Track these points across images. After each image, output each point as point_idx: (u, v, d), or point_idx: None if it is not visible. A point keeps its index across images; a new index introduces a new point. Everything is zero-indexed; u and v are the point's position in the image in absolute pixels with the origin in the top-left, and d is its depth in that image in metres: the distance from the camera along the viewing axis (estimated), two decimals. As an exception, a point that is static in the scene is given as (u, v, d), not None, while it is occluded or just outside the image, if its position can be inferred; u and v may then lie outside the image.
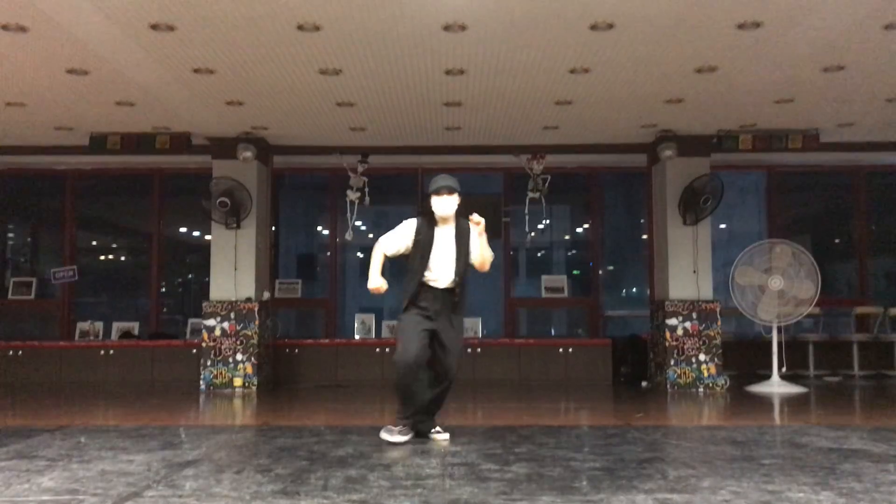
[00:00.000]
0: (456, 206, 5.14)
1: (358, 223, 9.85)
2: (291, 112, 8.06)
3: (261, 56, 6.34)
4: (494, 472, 3.98)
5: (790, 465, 4.21)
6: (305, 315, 11.35)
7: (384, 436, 4.96)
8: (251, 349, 9.00)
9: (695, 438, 5.38)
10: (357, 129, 8.73)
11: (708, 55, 6.40)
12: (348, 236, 9.69)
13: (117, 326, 10.40)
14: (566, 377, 9.76)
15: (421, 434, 5.06)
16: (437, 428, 5.14)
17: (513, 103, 7.76)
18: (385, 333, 10.31)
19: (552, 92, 7.38)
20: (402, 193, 11.15)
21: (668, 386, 8.89)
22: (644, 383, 9.47)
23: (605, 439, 5.17)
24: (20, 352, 9.81)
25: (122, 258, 12.66)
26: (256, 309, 9.09)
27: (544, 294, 10.71)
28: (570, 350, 9.90)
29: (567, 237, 12.33)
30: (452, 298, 5.06)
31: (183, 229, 11.87)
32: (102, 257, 12.47)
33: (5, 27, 5.70)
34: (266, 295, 9.48)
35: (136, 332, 10.39)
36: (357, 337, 10.31)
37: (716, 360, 8.92)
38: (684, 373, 8.92)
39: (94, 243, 12.21)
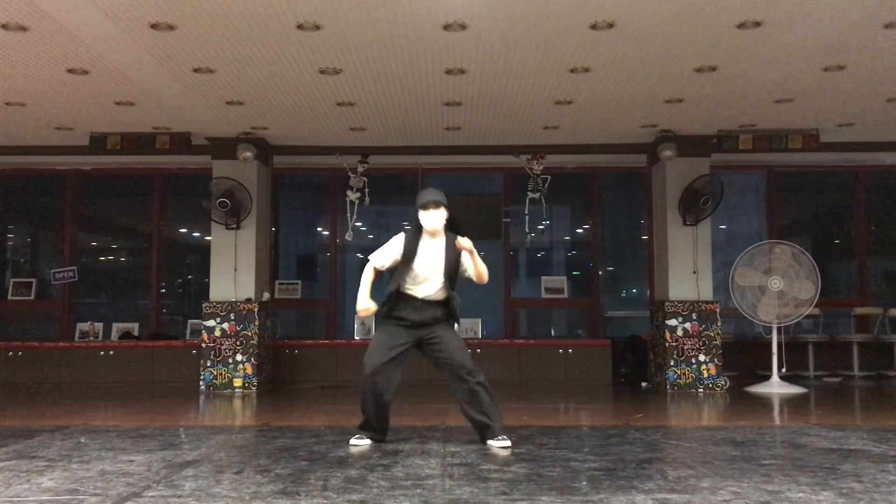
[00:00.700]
0: (444, 221, 5.04)
1: (358, 223, 9.85)
2: (291, 112, 8.06)
3: (261, 56, 6.34)
4: (494, 473, 3.98)
5: (790, 465, 4.21)
6: (305, 316, 11.35)
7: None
8: (251, 350, 9.00)
9: (694, 439, 5.37)
10: (357, 129, 8.73)
11: (708, 55, 6.40)
12: (348, 237, 9.68)
13: (117, 327, 10.40)
14: (566, 378, 9.75)
15: (482, 441, 4.89)
16: (501, 435, 4.85)
17: (513, 103, 7.76)
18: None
19: (552, 92, 7.38)
20: (402, 193, 11.14)
21: (668, 386, 8.89)
22: (644, 384, 9.47)
23: (605, 440, 5.16)
24: (20, 352, 9.82)
25: (122, 258, 12.65)
26: (256, 309, 9.08)
27: (544, 295, 10.70)
28: (570, 351, 9.90)
29: (567, 237, 12.32)
30: (441, 309, 4.99)
31: (183, 230, 11.87)
32: (102, 257, 12.46)
33: (5, 26, 5.70)
34: (266, 295, 9.48)
35: (135, 332, 10.39)
36: (357, 337, 10.29)
37: (716, 360, 8.92)
38: (684, 373, 8.91)
39: (94, 243, 12.20)
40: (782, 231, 10.53)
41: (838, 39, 6.08)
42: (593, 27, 5.76)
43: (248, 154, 8.86)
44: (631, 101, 7.71)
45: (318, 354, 9.90)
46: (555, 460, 4.34)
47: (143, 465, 4.23)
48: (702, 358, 8.93)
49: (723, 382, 8.89)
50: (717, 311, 9.02)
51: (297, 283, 10.72)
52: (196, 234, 11.52)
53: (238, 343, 9.00)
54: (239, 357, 8.98)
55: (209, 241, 9.48)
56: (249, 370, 8.97)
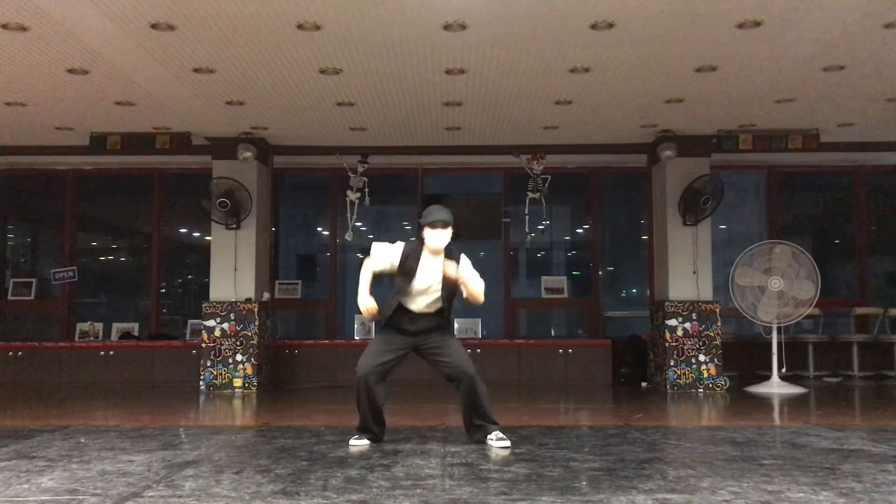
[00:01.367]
0: (448, 240, 5.01)
1: (358, 223, 9.85)
2: (291, 112, 8.06)
3: (261, 56, 6.34)
4: (494, 473, 3.98)
5: (790, 465, 4.21)
6: (305, 316, 11.35)
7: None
8: (251, 350, 9.00)
9: (694, 439, 5.37)
10: (357, 128, 8.74)
11: (708, 55, 6.40)
12: (348, 237, 9.68)
13: (117, 327, 10.40)
14: (566, 377, 9.76)
15: (480, 441, 4.88)
16: (496, 433, 4.86)
17: (513, 103, 7.76)
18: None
19: (552, 92, 7.38)
20: (402, 193, 11.15)
21: (668, 386, 8.89)
22: (644, 384, 9.47)
23: (605, 440, 5.16)
24: (20, 352, 9.82)
25: (122, 258, 12.66)
26: (256, 310, 9.08)
27: (544, 295, 10.71)
28: (570, 351, 9.90)
29: (567, 237, 12.32)
30: (436, 320, 5.00)
31: (183, 229, 11.87)
32: (102, 258, 12.46)
33: (5, 26, 5.70)
34: (266, 295, 9.48)
35: (135, 332, 10.39)
36: (357, 338, 10.30)
37: (716, 360, 8.92)
38: (684, 373, 8.91)
39: (94, 243, 12.20)
40: (782, 231, 10.53)
41: (838, 39, 6.08)
42: (593, 27, 5.76)
43: (248, 154, 8.86)
44: (631, 101, 7.71)
45: (318, 354, 9.90)
46: (555, 460, 4.34)
47: (143, 465, 4.22)
48: (702, 358, 8.93)
49: (723, 382, 8.89)
50: (717, 311, 9.02)
51: (297, 283, 10.72)
52: (196, 234, 11.53)
53: (238, 343, 9.00)
54: (239, 357, 8.98)
55: (209, 241, 9.48)
56: (249, 370, 8.97)
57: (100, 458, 4.41)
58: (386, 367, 4.94)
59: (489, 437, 4.86)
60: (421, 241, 5.04)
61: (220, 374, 8.95)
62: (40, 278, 10.82)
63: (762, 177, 10.85)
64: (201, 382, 8.96)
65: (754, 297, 8.83)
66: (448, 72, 6.79)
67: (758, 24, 5.71)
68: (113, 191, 11.38)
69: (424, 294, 4.98)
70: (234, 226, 9.09)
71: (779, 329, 8.91)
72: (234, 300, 9.08)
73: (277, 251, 10.91)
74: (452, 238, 5.05)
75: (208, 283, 9.28)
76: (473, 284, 4.94)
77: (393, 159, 9.90)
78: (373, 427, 4.98)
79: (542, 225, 10.30)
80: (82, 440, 5.12)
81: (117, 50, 6.24)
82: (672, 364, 8.92)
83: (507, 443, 4.79)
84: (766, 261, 8.85)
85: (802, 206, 11.80)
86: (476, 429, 4.94)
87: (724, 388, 8.84)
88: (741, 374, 9.70)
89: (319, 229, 11.72)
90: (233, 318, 9.04)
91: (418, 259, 4.98)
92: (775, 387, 8.68)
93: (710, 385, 8.87)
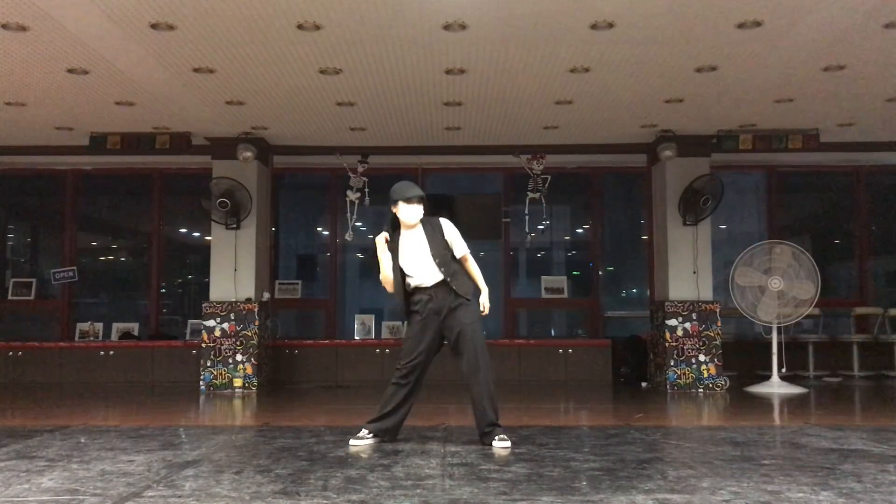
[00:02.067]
0: (421, 214, 5.05)
1: (358, 223, 9.85)
2: (291, 112, 8.06)
3: (261, 56, 6.34)
4: (494, 473, 3.98)
5: (790, 465, 4.21)
6: (305, 316, 11.34)
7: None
8: (251, 350, 9.00)
9: (695, 439, 5.37)
10: (357, 128, 8.74)
11: (708, 55, 6.40)
12: (348, 237, 9.69)
13: (117, 327, 10.40)
14: (566, 377, 9.76)
15: (485, 443, 4.87)
16: (500, 435, 4.83)
17: (513, 103, 7.76)
18: (385, 334, 10.31)
19: (552, 92, 7.38)
20: (402, 193, 11.12)
21: (668, 386, 8.89)
22: (644, 384, 9.47)
23: (605, 440, 5.16)
24: (20, 352, 9.82)
25: (122, 258, 12.66)
26: (256, 309, 9.08)
27: (544, 295, 10.70)
28: (570, 350, 9.90)
29: (567, 237, 12.32)
30: (451, 292, 4.98)
31: (183, 229, 11.87)
32: (102, 258, 12.46)
33: (5, 26, 5.70)
34: (266, 295, 9.48)
35: (135, 332, 10.39)
36: (357, 338, 10.30)
37: (716, 360, 8.92)
38: (684, 373, 8.91)
39: (94, 243, 12.20)
40: (782, 231, 10.52)
41: (838, 39, 6.08)
42: (593, 27, 5.76)
43: (248, 154, 8.86)
44: (631, 101, 7.71)
45: (318, 354, 9.90)
46: (555, 460, 4.34)
47: (143, 465, 4.23)
48: (702, 358, 8.93)
49: (723, 382, 8.89)
50: (717, 311, 9.02)
51: (297, 283, 10.72)
52: (196, 234, 11.53)
53: (238, 343, 9.00)
54: (239, 357, 8.98)
55: (209, 241, 9.47)
56: (249, 370, 8.97)
57: (100, 458, 4.41)
58: (425, 362, 4.98)
59: (495, 438, 4.85)
60: (393, 226, 5.06)
61: (220, 374, 8.95)
62: (40, 278, 10.82)
63: (762, 177, 10.84)
64: (201, 382, 8.96)
65: (754, 297, 8.83)
66: (448, 72, 6.79)
67: (758, 24, 5.71)
68: (113, 191, 11.38)
69: (421, 268, 4.97)
70: (234, 226, 9.09)
71: (779, 329, 8.91)
72: (234, 300, 9.08)
73: (277, 251, 10.91)
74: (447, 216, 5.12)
75: (208, 283, 9.27)
76: (475, 276, 5.10)
77: (393, 159, 9.90)
78: (388, 427, 4.98)
79: (542, 225, 10.31)
80: (82, 440, 5.12)
81: (117, 50, 6.24)
82: (672, 364, 8.92)
83: (508, 443, 4.78)
84: (766, 261, 8.85)
85: (802, 206, 11.80)
86: (483, 434, 4.94)
87: (724, 388, 8.84)
88: (741, 374, 9.70)
89: (319, 229, 11.72)
90: (233, 317, 9.04)
91: (397, 238, 5.04)
92: (775, 387, 8.68)
93: (710, 385, 8.87)
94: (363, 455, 4.56)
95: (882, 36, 5.97)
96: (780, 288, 8.74)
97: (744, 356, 9.92)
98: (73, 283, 10.55)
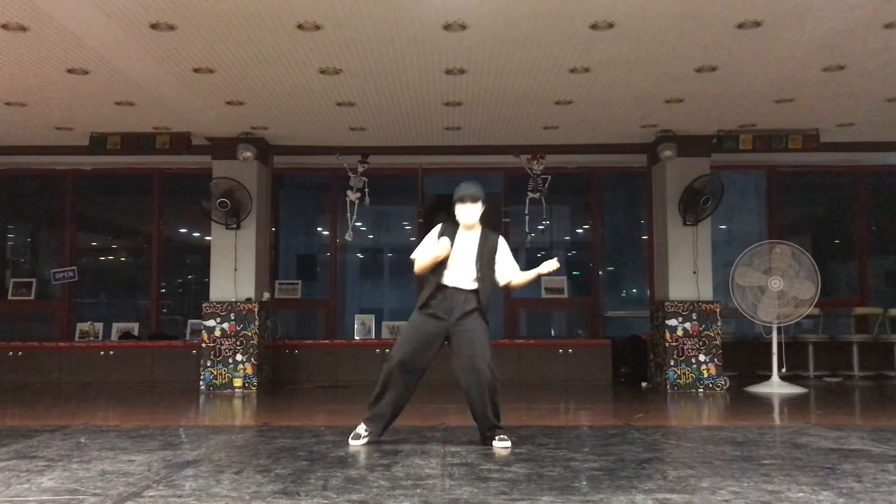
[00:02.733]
0: (479, 215, 5.05)
1: (358, 223, 9.86)
2: (291, 112, 8.06)
3: (261, 56, 6.34)
4: (494, 472, 3.98)
5: (790, 465, 4.21)
6: (305, 316, 11.35)
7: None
8: (251, 350, 9.00)
9: (694, 439, 5.37)
10: (357, 129, 8.73)
11: (708, 55, 6.40)
12: (348, 237, 9.69)
13: (117, 327, 10.40)
14: (566, 377, 9.76)
15: (485, 443, 4.87)
16: (501, 435, 4.84)
17: (513, 103, 7.76)
18: (385, 334, 10.31)
19: (552, 92, 7.38)
20: (402, 193, 11.15)
21: (668, 386, 8.89)
22: (644, 384, 9.47)
23: (605, 439, 5.16)
24: (20, 352, 9.82)
25: (122, 258, 12.66)
26: (256, 309, 9.08)
27: (544, 294, 10.70)
28: (570, 350, 9.90)
29: (567, 237, 12.32)
30: (473, 299, 4.96)
31: (183, 229, 11.87)
32: (102, 257, 12.46)
33: (5, 27, 5.70)
34: (266, 295, 9.48)
35: (135, 332, 10.39)
36: (357, 338, 10.31)
37: (716, 360, 8.92)
38: (684, 373, 8.91)
39: (94, 243, 12.20)
40: (782, 231, 10.53)
41: (838, 39, 6.08)
42: (593, 27, 5.76)
43: (248, 154, 8.86)
44: (631, 101, 7.71)
45: (318, 354, 9.90)
46: (555, 460, 4.34)
47: (144, 464, 4.23)
48: (702, 358, 8.93)
49: (723, 382, 8.89)
50: (717, 311, 9.02)
51: (297, 283, 10.72)
52: (196, 234, 11.53)
53: (238, 343, 9.00)
54: (239, 357, 8.98)
55: (209, 241, 9.48)
56: (249, 370, 8.97)
57: (100, 458, 4.41)
58: (419, 357, 4.91)
59: (495, 438, 4.85)
60: (454, 221, 5.06)
61: (220, 373, 8.95)
62: (40, 278, 10.82)
63: (762, 177, 10.84)
64: (201, 382, 8.96)
65: (754, 297, 8.83)
66: (448, 72, 6.78)
67: (758, 24, 5.71)
68: (113, 191, 11.38)
69: (460, 269, 4.96)
70: (234, 226, 9.09)
71: (779, 329, 8.91)
72: (234, 300, 9.08)
73: (277, 251, 10.91)
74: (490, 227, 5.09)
75: (208, 283, 9.27)
76: (526, 278, 5.13)
77: (393, 159, 9.90)
78: (382, 419, 4.96)
79: (542, 225, 10.31)
80: (82, 440, 5.12)
81: (117, 50, 6.24)
82: (672, 364, 8.92)
83: (508, 443, 4.78)
84: (766, 261, 8.85)
85: (802, 206, 11.80)
86: (484, 435, 4.93)
87: (724, 388, 8.84)
88: (741, 374, 9.70)
89: (319, 229, 11.72)
90: (233, 318, 9.04)
91: (455, 234, 5.01)
92: (775, 387, 8.68)
93: (710, 385, 8.87)
94: (363, 455, 4.56)
95: (882, 36, 5.97)
96: (780, 288, 8.74)
97: (744, 356, 9.93)
98: (73, 283, 10.55)
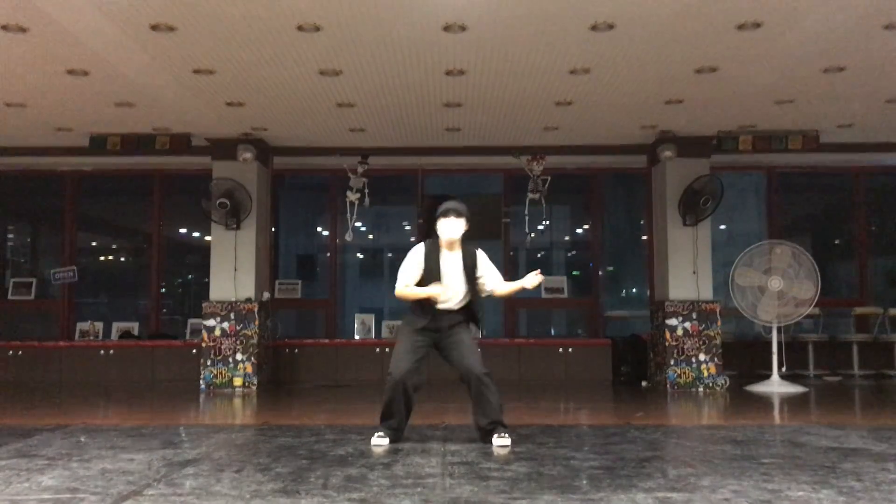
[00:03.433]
0: (462, 231, 5.06)
1: (358, 224, 9.86)
2: (291, 113, 8.07)
3: (261, 56, 6.35)
4: (494, 471, 3.98)
5: (790, 464, 4.21)
6: (305, 315, 11.36)
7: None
8: (251, 349, 9.01)
9: (695, 438, 5.38)
10: (357, 129, 8.74)
11: (708, 55, 6.40)
12: (348, 237, 9.69)
13: (117, 326, 10.41)
14: (566, 377, 9.76)
15: (485, 440, 4.89)
16: (500, 433, 4.85)
17: (513, 104, 7.76)
18: (385, 334, 10.31)
19: (552, 92, 7.38)
20: (402, 194, 11.16)
21: (668, 386, 8.90)
22: (644, 383, 9.48)
23: (605, 438, 5.17)
24: (20, 352, 9.82)
25: (122, 258, 12.67)
26: (256, 309, 9.09)
27: (544, 294, 10.70)
28: (570, 350, 9.91)
29: (567, 238, 12.33)
30: (460, 315, 5.02)
31: (183, 230, 11.88)
32: (102, 257, 12.47)
33: (5, 27, 5.71)
34: (266, 295, 9.49)
35: (135, 332, 10.40)
36: (357, 337, 10.31)
37: (716, 360, 8.93)
38: (684, 373, 8.92)
39: (94, 243, 12.21)
40: (782, 231, 10.53)
41: (838, 39, 6.08)
42: (593, 27, 5.76)
43: (248, 155, 8.87)
44: (631, 102, 7.71)
45: (318, 354, 9.91)
46: (555, 459, 4.35)
47: (144, 463, 4.23)
48: (702, 357, 8.93)
49: (723, 382, 8.89)
50: (717, 310, 9.02)
51: (297, 283, 10.73)
52: (196, 234, 11.53)
53: (238, 343, 9.01)
54: (239, 356, 8.99)
55: (209, 241, 9.48)
56: (249, 369, 8.98)
57: (100, 457, 4.41)
58: (417, 366, 4.96)
59: (495, 435, 4.86)
60: (434, 240, 5.07)
61: (220, 373, 8.96)
62: (40, 278, 10.83)
63: (762, 177, 10.85)
64: (201, 382, 8.97)
65: (754, 297, 8.84)
66: (448, 73, 6.79)
67: (758, 24, 5.71)
68: (113, 191, 11.39)
69: (453, 292, 4.99)
70: (234, 226, 9.09)
71: (779, 329, 8.91)
72: (234, 300, 9.09)
73: (277, 251, 10.92)
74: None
75: (208, 283, 9.28)
76: (509, 289, 5.15)
77: (393, 160, 9.90)
78: (396, 427, 4.98)
79: (542, 225, 10.31)
80: (82, 439, 5.12)
81: (117, 51, 6.24)
82: (672, 363, 8.92)
83: (507, 441, 4.79)
84: (766, 261, 8.85)
85: (802, 206, 11.81)
86: (484, 432, 4.94)
87: (724, 387, 8.85)
88: (741, 374, 9.71)
89: (319, 229, 11.73)
90: (233, 317, 9.05)
91: (438, 258, 5.01)
92: (775, 386, 8.68)
93: (710, 384, 8.87)
94: (363, 454, 4.56)
95: (882, 36, 5.98)
96: (780, 288, 8.74)
97: (744, 356, 9.93)
98: (73, 283, 10.56)
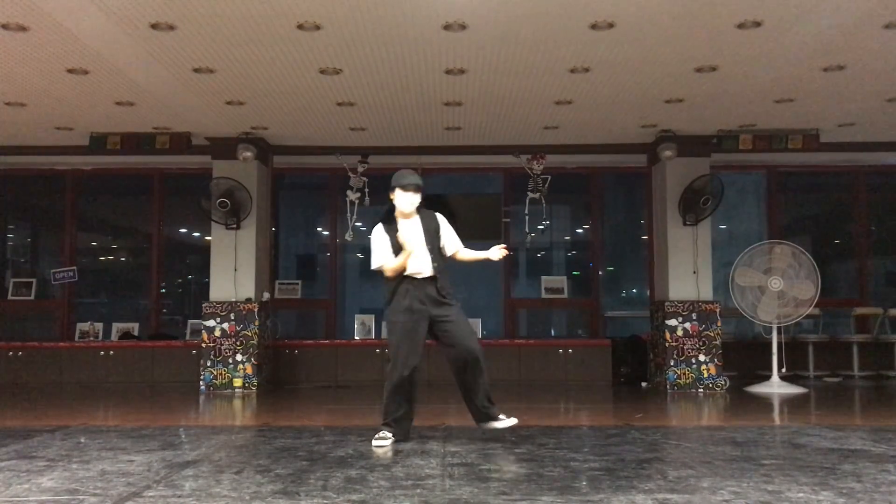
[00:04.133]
0: (417, 204, 5.10)
1: (358, 223, 9.85)
2: (291, 112, 8.06)
3: (261, 56, 6.34)
4: (494, 472, 3.98)
5: (790, 465, 4.21)
6: (305, 316, 11.35)
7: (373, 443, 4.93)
8: (251, 350, 9.00)
9: (694, 439, 5.38)
10: (357, 129, 8.74)
11: (708, 55, 6.40)
12: (348, 237, 9.68)
13: (117, 327, 10.40)
14: (566, 377, 9.75)
15: (481, 421, 5.00)
16: (501, 416, 5.00)
17: (513, 103, 7.76)
18: (385, 334, 10.29)
19: (552, 92, 7.38)
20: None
21: (668, 386, 8.89)
22: (644, 384, 9.47)
23: (605, 439, 5.16)
24: (20, 352, 9.82)
25: (122, 258, 12.66)
26: (256, 309, 9.08)
27: (544, 295, 10.70)
28: (570, 350, 9.90)
29: (567, 238, 12.32)
30: (436, 286, 5.01)
31: (183, 229, 11.87)
32: (102, 257, 12.46)
33: (5, 27, 5.70)
34: (266, 295, 9.48)
35: (135, 332, 10.39)
36: (357, 337, 10.30)
37: (716, 360, 8.92)
38: (684, 373, 8.91)
39: (94, 243, 12.20)
40: (782, 231, 10.53)
41: (838, 39, 6.08)
42: (593, 27, 5.76)
43: (248, 154, 8.86)
44: (631, 101, 7.71)
45: (318, 354, 9.90)
46: (555, 460, 4.34)
47: (143, 464, 4.23)
48: (702, 358, 8.93)
49: (723, 382, 8.88)
50: (717, 311, 9.02)
51: (297, 283, 10.72)
52: (196, 234, 11.53)
53: (238, 343, 9.00)
54: (239, 357, 8.98)
55: (209, 241, 9.47)
56: (249, 370, 8.97)
57: (100, 458, 4.41)
58: (419, 359, 4.99)
59: (496, 422, 4.95)
60: (389, 216, 5.10)
61: (220, 373, 8.95)
62: (40, 278, 10.82)
63: (762, 177, 10.84)
64: (201, 382, 8.96)
65: (754, 297, 8.83)
66: (448, 72, 6.78)
67: (758, 24, 5.71)
68: (113, 191, 11.38)
69: (421, 257, 5.01)
70: (234, 226, 9.09)
71: (779, 329, 8.91)
72: (234, 300, 9.08)
73: (277, 251, 10.91)
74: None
75: (208, 283, 9.27)
76: (472, 256, 5.20)
77: (393, 159, 9.87)
78: (402, 425, 4.99)
79: (542, 225, 10.30)
80: (82, 440, 5.12)
81: (117, 50, 6.24)
82: (672, 364, 8.92)
83: (514, 420, 4.92)
84: (766, 261, 8.85)
85: (802, 206, 11.80)
86: (482, 414, 4.97)
87: (724, 388, 8.84)
88: (741, 374, 9.70)
89: (319, 229, 11.71)
90: (233, 318, 9.04)
91: (396, 227, 5.04)
92: (775, 387, 8.68)
93: (710, 385, 8.87)
94: (363, 455, 4.56)
95: (882, 36, 5.97)
96: (780, 288, 8.74)
97: (744, 356, 9.92)
98: (73, 283, 10.55)
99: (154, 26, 5.70)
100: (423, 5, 5.39)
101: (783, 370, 8.85)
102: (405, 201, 5.06)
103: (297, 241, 12.33)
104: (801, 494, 3.48)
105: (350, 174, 9.54)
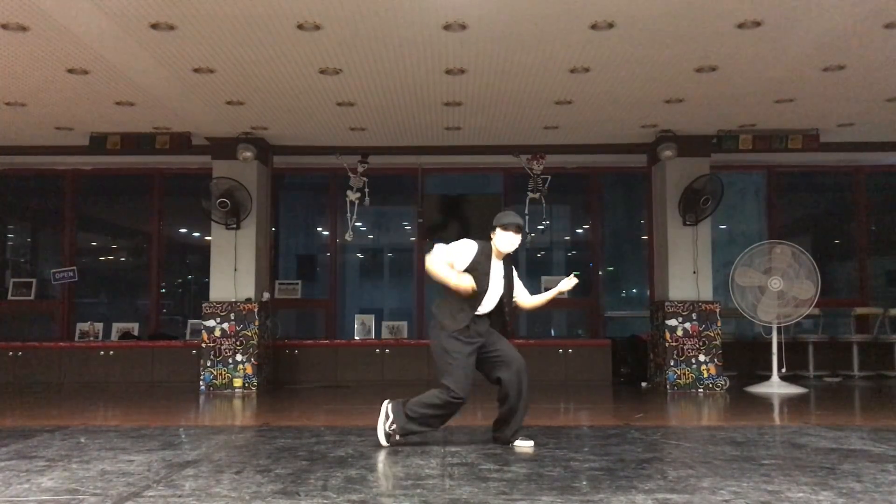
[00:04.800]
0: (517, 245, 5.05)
1: (358, 223, 9.86)
2: (291, 112, 8.06)
3: (261, 56, 6.34)
4: (494, 472, 3.98)
5: (790, 465, 4.21)
6: (305, 316, 11.35)
7: (381, 432, 4.85)
8: (251, 350, 9.00)
9: (694, 439, 5.37)
10: (357, 129, 8.74)
11: (708, 55, 6.40)
12: (348, 237, 9.69)
13: (117, 327, 10.40)
14: (566, 377, 9.75)
15: (504, 442, 4.91)
16: (524, 434, 4.98)
17: (513, 103, 7.76)
18: (385, 334, 10.31)
19: (552, 92, 7.38)
20: (402, 193, 11.15)
21: (668, 386, 8.89)
22: (644, 384, 9.47)
23: (605, 439, 5.16)
24: (20, 352, 9.82)
25: (122, 258, 12.66)
26: (256, 310, 9.08)
27: (544, 295, 10.68)
28: (570, 350, 9.90)
29: (567, 237, 12.32)
30: (501, 320, 5.05)
31: (183, 229, 11.87)
32: (102, 257, 12.46)
33: (5, 27, 5.70)
34: (266, 295, 9.48)
35: (135, 332, 10.39)
36: (357, 338, 10.30)
37: (715, 360, 8.92)
38: (684, 373, 8.91)
39: (94, 243, 12.20)
40: (782, 231, 10.53)
41: (838, 39, 6.08)
42: (593, 27, 5.76)
43: (248, 154, 8.86)
44: (631, 101, 7.71)
45: (318, 354, 9.90)
46: (555, 460, 4.34)
47: (143, 464, 4.22)
48: (702, 358, 8.93)
49: (723, 382, 8.88)
50: (717, 311, 9.02)
51: (297, 283, 10.72)
52: (196, 234, 11.53)
53: (238, 343, 9.00)
54: (239, 357, 8.98)
55: (209, 241, 9.47)
56: (249, 370, 8.97)
57: (100, 458, 4.41)
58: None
59: (516, 441, 4.90)
60: (488, 245, 5.01)
61: (220, 373, 8.95)
62: (40, 278, 10.82)
63: (762, 177, 10.84)
64: (201, 382, 8.96)
65: (754, 297, 8.83)
66: (448, 72, 6.79)
67: (758, 24, 5.71)
68: (113, 191, 11.39)
69: (490, 298, 4.97)
70: (234, 226, 9.09)
71: (779, 329, 8.91)
72: (234, 300, 9.08)
73: (277, 251, 10.91)
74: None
75: (208, 283, 9.28)
76: (537, 301, 5.33)
77: (393, 159, 9.90)
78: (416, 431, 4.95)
79: (542, 225, 10.30)
80: (82, 440, 5.12)
81: (117, 50, 6.24)
82: (672, 364, 8.92)
83: (531, 443, 4.88)
84: (766, 261, 8.85)
85: (802, 206, 11.80)
86: (507, 439, 4.92)
87: (724, 388, 8.84)
88: (741, 374, 9.70)
89: (319, 229, 11.72)
90: (233, 318, 9.04)
91: (489, 264, 4.96)
92: (775, 387, 8.68)
93: (710, 385, 8.87)
94: (363, 455, 4.56)
95: (882, 36, 5.98)
96: (780, 288, 8.74)
97: (744, 356, 9.93)
98: (73, 283, 10.55)
99: (154, 26, 5.70)
100: (423, 5, 5.39)
101: (783, 370, 8.85)
102: (506, 242, 4.98)
103: (297, 241, 12.34)
104: (800, 494, 3.48)
105: (350, 174, 9.54)
